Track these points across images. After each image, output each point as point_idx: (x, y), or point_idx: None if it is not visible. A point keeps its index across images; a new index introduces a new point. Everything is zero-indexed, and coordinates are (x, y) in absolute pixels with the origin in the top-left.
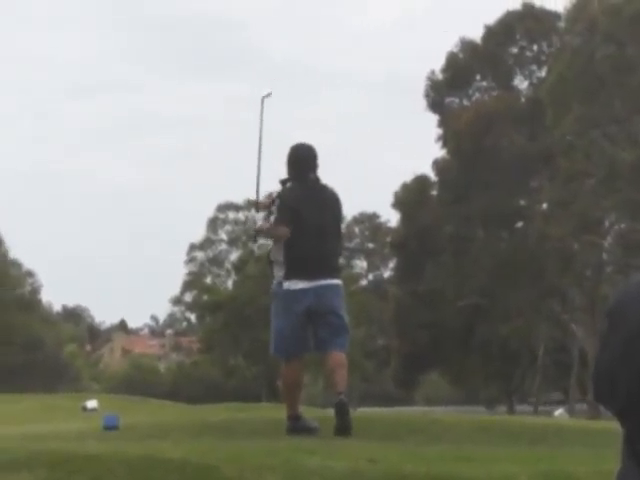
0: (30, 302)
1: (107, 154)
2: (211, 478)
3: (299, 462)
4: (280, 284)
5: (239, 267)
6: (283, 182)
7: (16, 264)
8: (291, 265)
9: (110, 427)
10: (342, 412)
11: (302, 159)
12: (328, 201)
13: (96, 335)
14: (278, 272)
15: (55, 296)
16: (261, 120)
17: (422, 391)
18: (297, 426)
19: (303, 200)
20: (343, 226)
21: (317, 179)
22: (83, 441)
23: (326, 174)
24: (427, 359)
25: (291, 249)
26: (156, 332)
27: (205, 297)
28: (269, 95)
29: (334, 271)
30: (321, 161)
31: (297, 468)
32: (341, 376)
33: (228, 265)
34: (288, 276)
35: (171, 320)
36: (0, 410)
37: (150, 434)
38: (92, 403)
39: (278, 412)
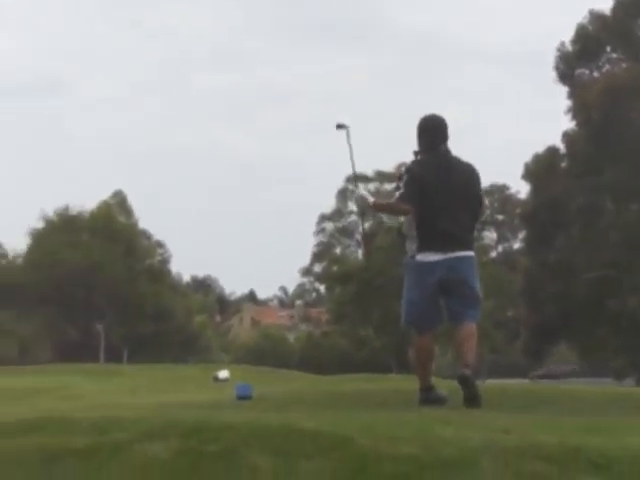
0: (160, 272)
1: (239, 126)
2: (345, 449)
3: (433, 433)
4: (413, 257)
5: (369, 238)
6: (416, 153)
7: (146, 234)
8: (423, 238)
9: (243, 397)
10: (466, 385)
11: (432, 130)
12: (461, 173)
13: (226, 306)
14: (411, 245)
15: (185, 267)
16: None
17: (550, 363)
18: (429, 397)
19: (433, 172)
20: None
21: (448, 150)
22: (216, 411)
23: (456, 146)
24: (556, 330)
25: (422, 222)
26: (285, 303)
27: (335, 268)
28: (344, 127)
29: (467, 243)
30: (451, 134)
31: (432, 439)
32: (469, 348)
33: (358, 236)
34: (421, 249)
35: (300, 291)
36: (132, 381)
37: (283, 404)
38: (223, 373)
39: (408, 383)
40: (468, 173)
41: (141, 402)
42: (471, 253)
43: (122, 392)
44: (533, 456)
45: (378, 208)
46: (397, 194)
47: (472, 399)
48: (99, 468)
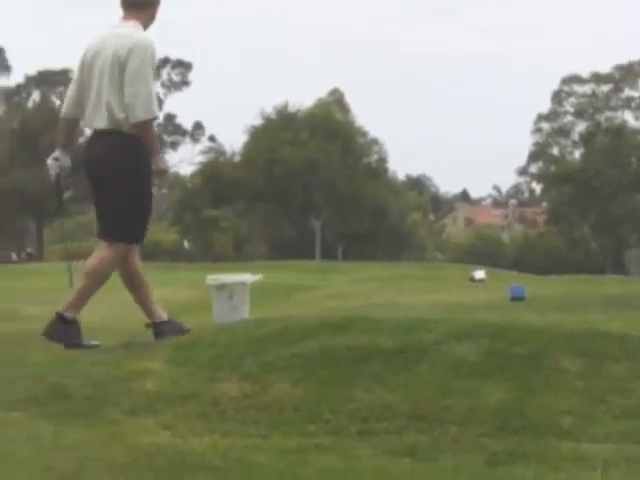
0: (377, 171)
1: (456, 24)
2: None
3: None
4: None
5: (587, 139)
6: None
7: (362, 132)
8: None
9: (518, 298)
10: None
11: None
12: None
13: (439, 205)
14: None
15: (400, 166)
16: None
17: None
18: None
19: None
20: None
21: None
22: (508, 312)
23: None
24: None
25: None
26: (499, 202)
27: (552, 168)
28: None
29: None
30: None
31: None
32: None
33: (574, 137)
34: None
35: (514, 191)
36: (388, 279)
37: (561, 306)
38: (480, 274)
39: None
40: None
41: (418, 302)
42: None
43: (386, 291)
44: None
45: None
46: None
47: None
48: (406, 368)
